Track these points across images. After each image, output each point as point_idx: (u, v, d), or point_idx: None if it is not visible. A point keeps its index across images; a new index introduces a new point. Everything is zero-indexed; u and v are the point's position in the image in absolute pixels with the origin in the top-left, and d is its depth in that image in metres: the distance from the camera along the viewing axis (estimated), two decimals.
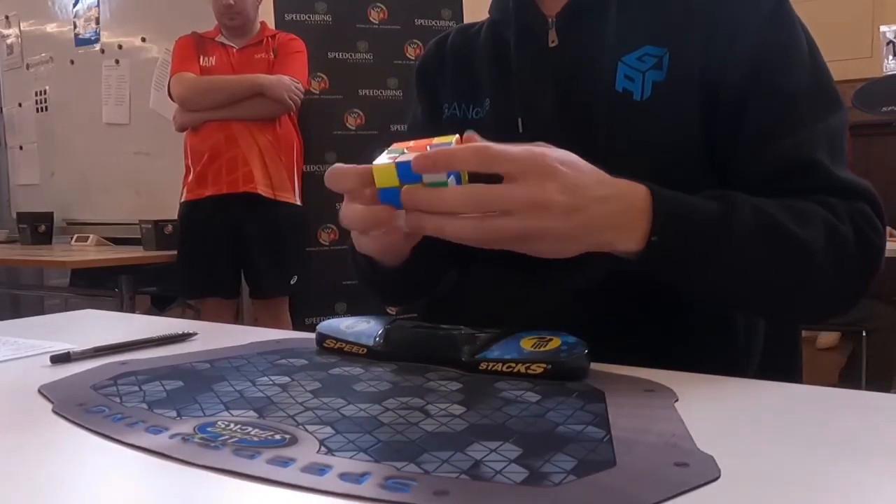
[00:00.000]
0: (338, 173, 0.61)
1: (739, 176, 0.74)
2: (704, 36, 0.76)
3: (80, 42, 3.60)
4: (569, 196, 0.58)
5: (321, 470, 0.40)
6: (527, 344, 0.63)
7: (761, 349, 0.80)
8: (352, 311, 2.71)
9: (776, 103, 0.74)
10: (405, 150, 0.61)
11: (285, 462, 0.42)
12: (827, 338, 3.75)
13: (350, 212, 0.63)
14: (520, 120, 0.84)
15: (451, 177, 0.58)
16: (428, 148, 0.60)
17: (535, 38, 0.85)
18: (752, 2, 0.77)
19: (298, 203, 2.57)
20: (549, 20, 0.84)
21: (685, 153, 0.76)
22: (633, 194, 0.63)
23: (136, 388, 0.59)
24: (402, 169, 0.58)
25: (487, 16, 0.95)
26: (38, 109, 3.85)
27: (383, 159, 0.60)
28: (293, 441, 0.45)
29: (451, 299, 0.90)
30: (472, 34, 0.95)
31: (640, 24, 0.80)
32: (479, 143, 0.60)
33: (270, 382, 0.60)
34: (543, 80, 0.84)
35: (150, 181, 3.30)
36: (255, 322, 2.64)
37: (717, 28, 0.76)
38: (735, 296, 0.69)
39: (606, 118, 0.78)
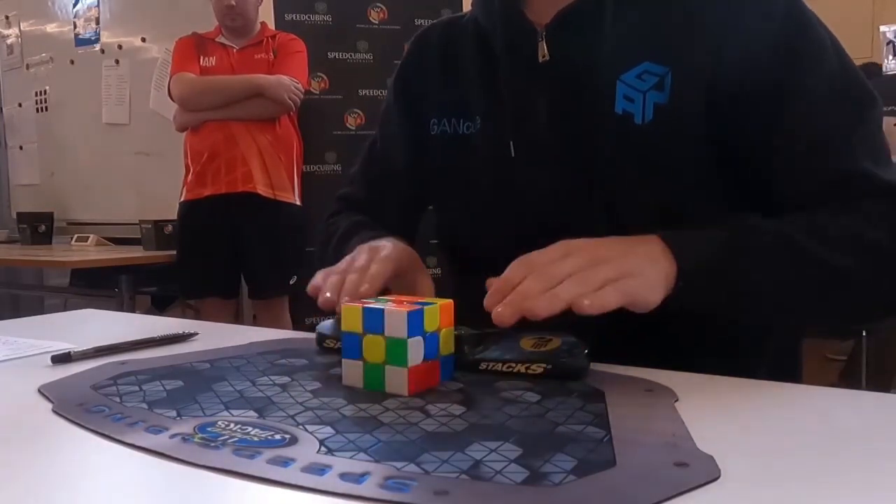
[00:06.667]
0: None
1: (781, 193, 0.72)
2: (712, 50, 0.72)
3: (80, 42, 3.60)
4: (606, 249, 0.63)
5: (321, 470, 0.40)
6: (527, 344, 0.63)
7: (772, 356, 0.78)
8: None
9: (812, 114, 0.70)
10: (388, 301, 0.60)
11: (285, 462, 0.42)
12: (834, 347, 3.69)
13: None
14: (511, 143, 0.80)
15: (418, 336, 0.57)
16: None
17: (524, 53, 0.80)
18: (763, 7, 0.72)
19: (298, 203, 2.57)
20: (539, 32, 0.79)
21: (699, 174, 0.73)
22: (646, 238, 0.65)
23: (136, 388, 0.59)
24: (369, 314, 0.57)
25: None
26: (38, 109, 3.84)
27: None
28: (293, 441, 0.45)
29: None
30: (457, 33, 0.90)
31: (638, 37, 0.75)
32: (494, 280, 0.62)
33: (270, 382, 0.60)
34: (535, 100, 0.79)
35: (150, 181, 3.30)
36: (255, 322, 2.64)
37: (726, 39, 0.72)
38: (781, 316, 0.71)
39: (609, 145, 0.74)
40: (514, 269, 0.61)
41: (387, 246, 0.77)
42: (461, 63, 0.88)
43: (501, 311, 0.58)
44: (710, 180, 0.74)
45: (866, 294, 0.67)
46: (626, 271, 0.60)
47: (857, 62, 0.75)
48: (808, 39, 0.72)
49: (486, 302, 0.60)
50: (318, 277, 0.74)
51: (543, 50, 0.79)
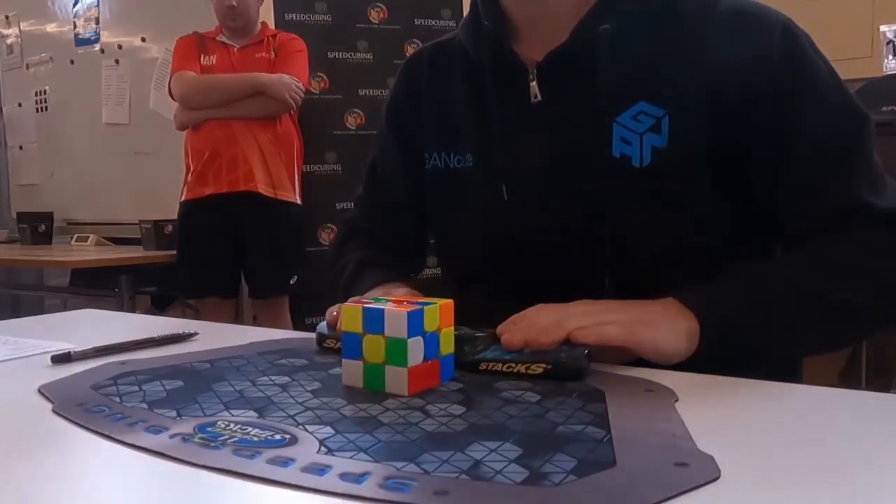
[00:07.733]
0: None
1: (783, 219, 0.73)
2: (710, 88, 0.71)
3: (80, 42, 3.60)
4: (620, 304, 0.65)
5: (321, 470, 0.40)
6: None
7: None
8: None
9: (811, 143, 0.70)
10: (388, 300, 0.61)
11: (285, 462, 0.42)
12: None
13: None
14: (504, 186, 0.78)
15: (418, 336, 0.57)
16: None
17: (515, 92, 0.78)
18: (759, 41, 0.71)
19: (299, 202, 2.57)
20: (531, 71, 0.77)
21: (703, 210, 0.73)
22: (662, 300, 0.66)
23: (136, 388, 0.59)
24: (369, 315, 0.57)
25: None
26: (38, 109, 3.85)
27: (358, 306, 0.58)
28: (293, 441, 0.45)
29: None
30: (446, 60, 0.87)
31: (633, 76, 0.73)
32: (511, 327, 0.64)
33: (270, 382, 0.60)
34: (527, 142, 0.77)
35: (150, 181, 3.30)
36: (255, 322, 2.63)
37: (724, 75, 0.70)
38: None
39: (609, 189, 0.73)
40: (531, 310, 0.65)
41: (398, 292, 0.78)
42: (451, 93, 0.85)
43: (509, 337, 0.63)
44: (716, 212, 0.74)
45: (876, 323, 0.71)
46: (636, 320, 0.63)
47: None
48: (805, 68, 0.72)
49: (499, 329, 0.65)
50: (334, 310, 0.75)
51: (535, 90, 0.77)
